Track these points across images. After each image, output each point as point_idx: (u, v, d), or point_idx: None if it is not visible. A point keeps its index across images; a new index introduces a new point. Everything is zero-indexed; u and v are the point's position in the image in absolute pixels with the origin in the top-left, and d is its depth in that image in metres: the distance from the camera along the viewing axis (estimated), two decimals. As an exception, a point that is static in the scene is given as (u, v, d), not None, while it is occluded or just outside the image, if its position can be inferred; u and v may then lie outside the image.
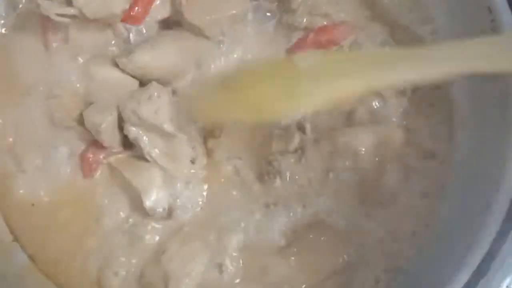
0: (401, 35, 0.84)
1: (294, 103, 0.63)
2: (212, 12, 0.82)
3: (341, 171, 0.79)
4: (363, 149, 0.78)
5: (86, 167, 0.82)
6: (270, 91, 0.64)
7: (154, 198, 0.78)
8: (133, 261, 0.79)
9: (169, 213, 0.79)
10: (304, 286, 0.76)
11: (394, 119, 0.81)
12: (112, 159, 0.82)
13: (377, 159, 0.79)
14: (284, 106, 0.63)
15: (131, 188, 0.79)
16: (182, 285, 0.75)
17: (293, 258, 0.76)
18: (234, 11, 0.82)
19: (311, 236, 0.77)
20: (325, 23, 0.83)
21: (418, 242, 0.77)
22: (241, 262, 0.78)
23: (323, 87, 0.61)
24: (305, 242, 0.77)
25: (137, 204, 0.79)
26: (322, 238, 0.77)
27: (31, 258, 0.81)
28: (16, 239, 0.82)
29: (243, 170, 0.82)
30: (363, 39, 0.84)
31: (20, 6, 0.86)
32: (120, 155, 0.83)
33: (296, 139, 0.79)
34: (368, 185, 0.79)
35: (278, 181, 0.78)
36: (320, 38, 0.83)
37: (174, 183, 0.80)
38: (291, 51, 0.84)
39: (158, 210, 0.78)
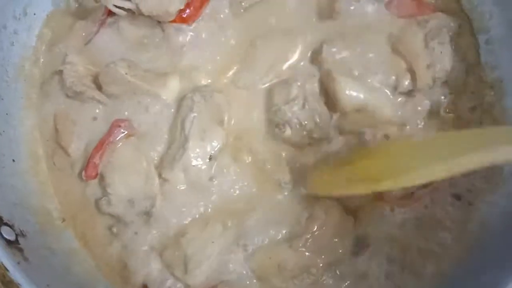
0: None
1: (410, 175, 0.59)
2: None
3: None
4: None
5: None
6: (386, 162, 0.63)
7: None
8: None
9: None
10: (322, 264, 0.76)
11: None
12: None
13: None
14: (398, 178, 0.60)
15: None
16: (201, 267, 0.75)
17: (307, 244, 0.76)
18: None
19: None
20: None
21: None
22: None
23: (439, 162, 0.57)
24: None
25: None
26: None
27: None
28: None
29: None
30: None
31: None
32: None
33: (294, 88, 0.80)
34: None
35: (288, 130, 0.79)
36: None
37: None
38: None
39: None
